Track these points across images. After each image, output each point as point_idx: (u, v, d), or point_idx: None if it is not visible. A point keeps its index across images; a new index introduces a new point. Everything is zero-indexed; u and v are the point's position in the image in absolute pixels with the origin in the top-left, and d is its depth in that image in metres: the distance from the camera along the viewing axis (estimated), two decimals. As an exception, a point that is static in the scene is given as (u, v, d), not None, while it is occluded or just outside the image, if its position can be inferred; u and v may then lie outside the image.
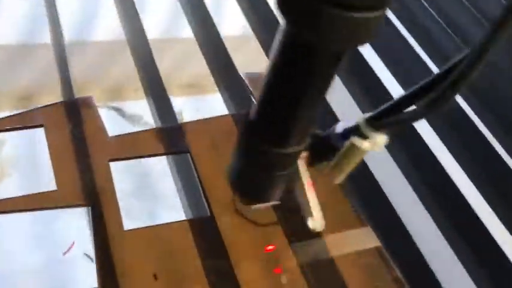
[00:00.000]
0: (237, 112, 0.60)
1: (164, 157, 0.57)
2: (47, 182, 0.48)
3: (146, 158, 0.52)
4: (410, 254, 0.52)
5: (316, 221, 0.41)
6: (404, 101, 0.34)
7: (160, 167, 1.09)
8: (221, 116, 0.59)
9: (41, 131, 0.52)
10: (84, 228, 1.01)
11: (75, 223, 1.02)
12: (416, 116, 0.33)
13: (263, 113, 0.36)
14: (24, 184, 1.04)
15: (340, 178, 0.40)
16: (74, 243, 1.00)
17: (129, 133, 0.53)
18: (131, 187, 1.07)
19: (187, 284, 0.44)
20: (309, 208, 0.41)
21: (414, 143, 0.61)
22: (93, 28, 1.10)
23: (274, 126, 0.36)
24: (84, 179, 0.48)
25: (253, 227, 0.49)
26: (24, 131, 0.51)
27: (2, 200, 0.45)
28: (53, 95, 0.98)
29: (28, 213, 0.45)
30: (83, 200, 0.47)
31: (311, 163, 0.42)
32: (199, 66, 0.72)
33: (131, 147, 0.52)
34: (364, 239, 0.50)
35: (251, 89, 0.62)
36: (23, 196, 0.46)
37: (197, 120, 0.57)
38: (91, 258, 0.95)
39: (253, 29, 0.72)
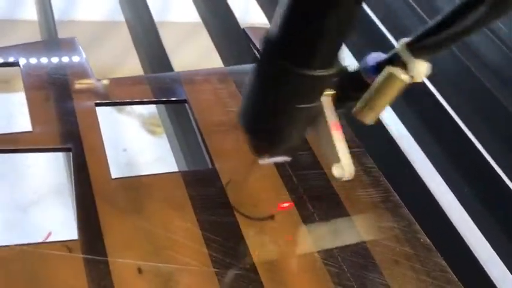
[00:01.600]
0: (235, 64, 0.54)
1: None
2: (21, 124, 0.41)
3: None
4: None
5: (343, 168, 0.34)
6: (449, 20, 0.29)
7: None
8: (219, 68, 0.53)
9: (16, 70, 0.45)
10: (62, 220, 0.93)
11: (52, 213, 0.95)
12: (468, 29, 0.28)
13: (287, 25, 0.30)
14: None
15: (372, 118, 0.34)
16: (50, 233, 0.92)
17: (120, 77, 0.47)
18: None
19: (177, 243, 0.37)
20: (334, 152, 0.34)
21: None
22: (79, 8, 1.04)
23: (299, 40, 0.30)
24: (65, 121, 0.42)
25: (260, 183, 0.43)
26: None
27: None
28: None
29: None
30: (62, 144, 0.40)
31: (337, 104, 0.36)
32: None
33: (122, 92, 0.46)
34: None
35: (254, 41, 0.56)
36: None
37: (195, 70, 0.50)
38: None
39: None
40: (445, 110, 0.54)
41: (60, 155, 0.89)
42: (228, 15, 0.64)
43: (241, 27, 0.61)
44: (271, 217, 0.41)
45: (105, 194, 0.38)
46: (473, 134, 0.54)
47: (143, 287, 0.35)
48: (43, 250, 0.36)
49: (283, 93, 0.32)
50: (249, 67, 0.54)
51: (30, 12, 1.00)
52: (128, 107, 1.10)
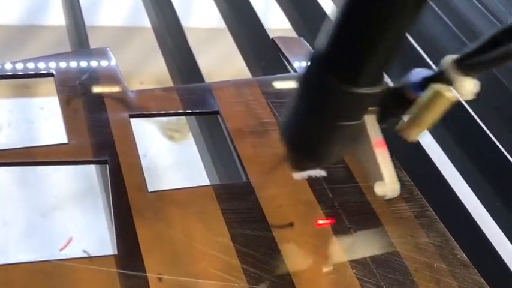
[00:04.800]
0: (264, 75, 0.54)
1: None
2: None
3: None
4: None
5: (385, 185, 0.33)
6: (500, 38, 0.28)
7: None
8: (247, 78, 0.53)
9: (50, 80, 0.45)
10: (82, 226, 0.94)
11: (72, 218, 0.95)
12: None
13: (337, 40, 0.29)
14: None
15: (416, 135, 0.33)
16: (71, 239, 0.93)
17: (151, 89, 0.46)
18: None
19: (211, 258, 0.37)
20: (377, 170, 0.34)
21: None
22: (94, 14, 1.04)
23: (348, 56, 0.30)
24: (99, 133, 0.41)
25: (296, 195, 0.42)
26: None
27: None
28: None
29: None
30: (98, 156, 0.40)
31: (379, 120, 0.35)
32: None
33: (154, 104, 0.46)
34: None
35: (283, 51, 0.55)
36: (28, 148, 0.39)
37: (225, 81, 0.50)
38: (89, 255, 0.87)
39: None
40: (479, 125, 0.54)
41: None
42: (255, 22, 0.64)
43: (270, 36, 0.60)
44: (291, 224, 0.40)
45: (142, 207, 0.38)
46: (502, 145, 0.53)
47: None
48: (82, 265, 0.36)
49: (327, 110, 0.32)
50: (277, 77, 0.53)
51: (49, 18, 1.01)
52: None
